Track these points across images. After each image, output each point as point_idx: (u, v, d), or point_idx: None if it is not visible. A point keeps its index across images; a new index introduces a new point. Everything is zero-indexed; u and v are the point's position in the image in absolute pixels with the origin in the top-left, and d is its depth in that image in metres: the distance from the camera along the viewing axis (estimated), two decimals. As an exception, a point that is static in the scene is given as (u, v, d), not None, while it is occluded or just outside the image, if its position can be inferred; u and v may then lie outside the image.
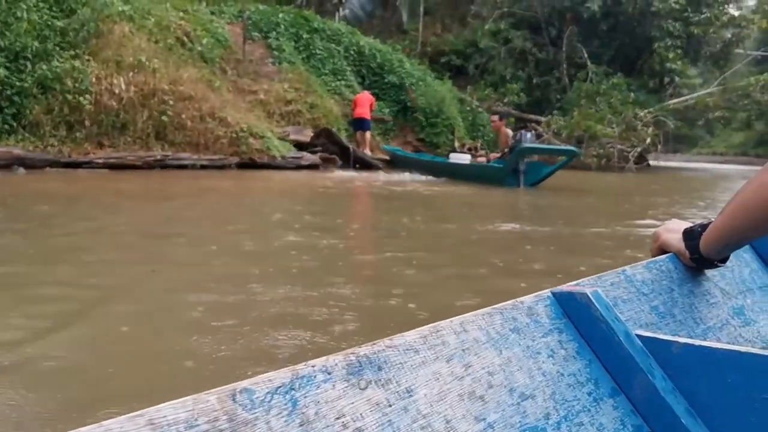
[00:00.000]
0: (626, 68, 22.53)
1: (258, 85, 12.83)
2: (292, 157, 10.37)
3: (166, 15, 11.55)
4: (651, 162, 27.11)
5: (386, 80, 16.62)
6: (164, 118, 8.79)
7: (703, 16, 20.13)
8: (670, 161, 37.49)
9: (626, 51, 22.36)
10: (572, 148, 10.03)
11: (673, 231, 1.02)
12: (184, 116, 9.05)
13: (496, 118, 10.07)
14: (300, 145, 11.40)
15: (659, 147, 17.65)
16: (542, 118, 18.33)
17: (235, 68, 12.95)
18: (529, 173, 8.75)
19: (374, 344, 0.56)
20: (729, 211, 0.90)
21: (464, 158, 10.12)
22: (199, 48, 11.91)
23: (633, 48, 22.15)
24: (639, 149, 16.77)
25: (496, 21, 21.56)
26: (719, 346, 0.71)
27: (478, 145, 16.40)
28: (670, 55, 19.96)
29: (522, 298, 0.73)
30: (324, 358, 0.51)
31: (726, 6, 20.62)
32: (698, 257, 0.97)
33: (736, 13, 22.08)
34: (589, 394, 0.69)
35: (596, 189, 10.10)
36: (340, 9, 21.40)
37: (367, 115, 13.39)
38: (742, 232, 0.91)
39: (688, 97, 19.60)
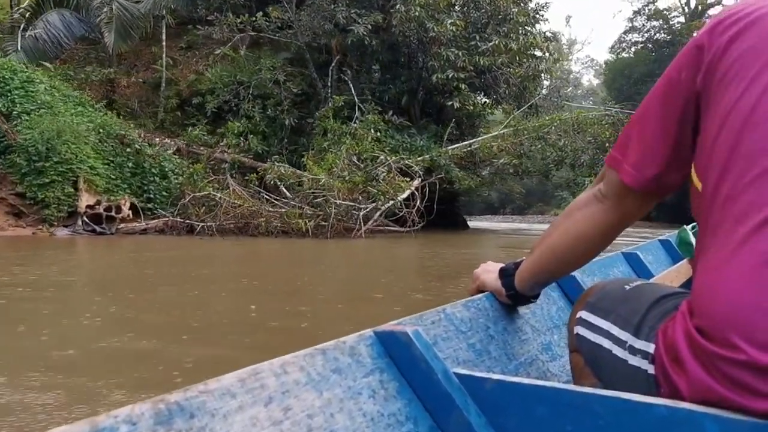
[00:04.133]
0: (428, 111, 18.24)
1: None
2: None
3: None
4: (471, 224, 22.85)
5: (-10, 107, 10.84)
6: None
7: (491, 44, 16.15)
8: (504, 222, 32.87)
9: (417, 89, 18.05)
10: None
11: (489, 271, 1.09)
12: None
13: None
14: None
15: (415, 210, 12.62)
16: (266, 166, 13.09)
17: None
18: None
19: (187, 390, 0.52)
20: (538, 253, 0.97)
21: None
22: None
23: (423, 85, 17.89)
24: (384, 207, 11.76)
25: (235, 48, 16.66)
26: (528, 382, 0.72)
27: (123, 202, 10.74)
28: (456, 88, 15.71)
29: (345, 338, 0.72)
30: (129, 407, 0.47)
31: (523, 33, 16.78)
32: (513, 293, 1.04)
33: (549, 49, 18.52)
34: None
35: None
36: (21, 27, 15.66)
37: None
38: (550, 272, 0.98)
39: (469, 141, 15.17)
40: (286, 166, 12.67)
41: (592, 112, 15.78)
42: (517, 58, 16.26)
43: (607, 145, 15.05)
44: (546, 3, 19.19)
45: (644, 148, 0.80)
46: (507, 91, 17.84)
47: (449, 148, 14.72)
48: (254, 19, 17.03)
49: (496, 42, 16.06)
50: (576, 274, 1.29)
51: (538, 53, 16.51)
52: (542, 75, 16.59)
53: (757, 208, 0.66)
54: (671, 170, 0.79)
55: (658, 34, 43.64)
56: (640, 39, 45.12)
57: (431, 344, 0.75)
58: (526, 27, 17.43)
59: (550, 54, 16.36)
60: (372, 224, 11.52)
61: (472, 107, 17.37)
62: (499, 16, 17.06)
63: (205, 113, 16.39)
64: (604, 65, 58.49)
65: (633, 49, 45.31)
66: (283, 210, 11.37)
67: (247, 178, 12.16)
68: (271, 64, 16.43)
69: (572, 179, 15.89)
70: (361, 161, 12.72)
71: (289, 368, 0.62)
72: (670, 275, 1.72)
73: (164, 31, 18.51)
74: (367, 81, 17.51)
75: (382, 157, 12.15)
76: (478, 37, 16.63)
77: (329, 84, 16.93)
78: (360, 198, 11.62)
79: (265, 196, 11.66)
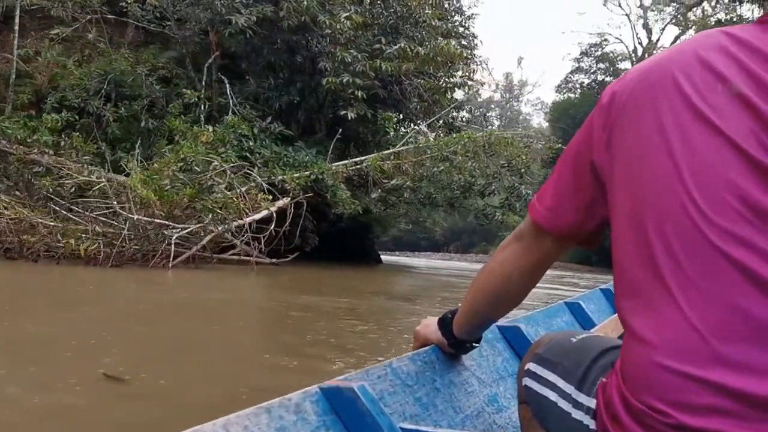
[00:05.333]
0: (335, 125, 15.49)
1: None
2: None
3: None
4: (390, 259, 20.13)
5: None
6: None
7: (396, 47, 13.64)
8: (437, 260, 29.33)
9: (325, 98, 15.29)
10: None
11: (429, 325, 1.08)
12: None
13: None
14: None
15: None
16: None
17: None
18: None
19: None
20: (470, 298, 0.97)
21: None
22: None
23: (327, 94, 15.16)
24: (219, 229, 8.79)
25: (83, 32, 13.75)
26: None
27: None
28: (353, 96, 13.10)
29: (290, 395, 0.70)
30: None
31: (435, 39, 14.30)
32: (454, 341, 1.04)
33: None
34: None
35: None
36: None
37: None
38: (483, 314, 0.98)
39: (359, 158, 12.42)
40: (100, 170, 9.62)
41: (507, 132, 13.31)
42: (427, 67, 13.76)
43: (522, 170, 12.59)
44: (472, 14, 17.03)
45: (559, 195, 0.81)
46: (419, 107, 15.32)
47: (333, 165, 11.94)
48: (124, 4, 14.18)
49: (402, 45, 13.56)
50: (520, 325, 1.27)
51: (454, 63, 14.02)
52: (456, 88, 14.14)
53: (649, 282, 0.66)
54: (587, 220, 0.80)
55: (604, 76, 42.83)
56: (587, 80, 44.28)
57: (377, 399, 0.74)
58: (447, 38, 15.07)
59: (465, 65, 13.92)
60: (197, 251, 8.53)
61: (385, 122, 14.75)
62: (411, 19, 14.67)
63: (56, 110, 13.35)
64: (551, 105, 57.87)
65: (579, 90, 44.42)
66: (77, 227, 8.29)
67: (37, 183, 9.06)
68: (151, 61, 13.66)
69: (481, 210, 13.28)
70: (214, 173, 9.75)
71: (233, 428, 0.60)
72: (611, 324, 1.71)
73: (18, 14, 15.53)
74: (254, 85, 14.77)
75: (216, 163, 9.20)
76: (384, 40, 14.14)
77: (203, 85, 14.09)
78: (183, 216, 8.62)
79: (53, 207, 8.55)
